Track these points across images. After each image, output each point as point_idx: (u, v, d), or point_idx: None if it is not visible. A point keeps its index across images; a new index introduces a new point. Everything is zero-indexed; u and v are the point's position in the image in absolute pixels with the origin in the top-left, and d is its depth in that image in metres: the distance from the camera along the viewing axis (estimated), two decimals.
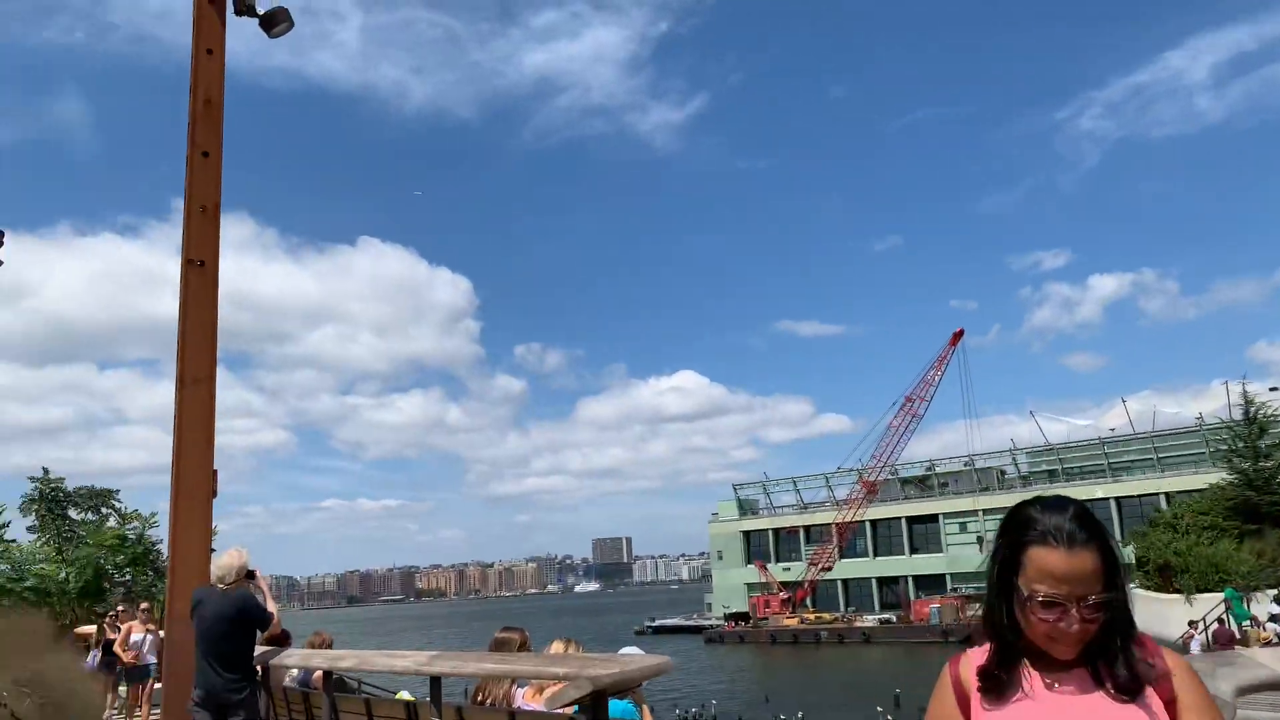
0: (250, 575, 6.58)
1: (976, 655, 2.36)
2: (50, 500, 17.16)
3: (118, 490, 19.49)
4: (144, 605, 12.39)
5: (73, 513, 17.57)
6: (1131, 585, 26.10)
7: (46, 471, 17.57)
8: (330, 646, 7.83)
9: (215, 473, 6.95)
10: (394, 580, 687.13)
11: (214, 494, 6.95)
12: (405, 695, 17.87)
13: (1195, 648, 22.26)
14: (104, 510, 18.11)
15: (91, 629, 13.56)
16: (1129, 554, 29.63)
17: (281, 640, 7.98)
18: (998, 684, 2.21)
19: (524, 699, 4.49)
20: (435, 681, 4.25)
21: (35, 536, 16.83)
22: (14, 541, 16.00)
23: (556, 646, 4.59)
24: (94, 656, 12.91)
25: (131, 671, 12.20)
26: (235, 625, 6.39)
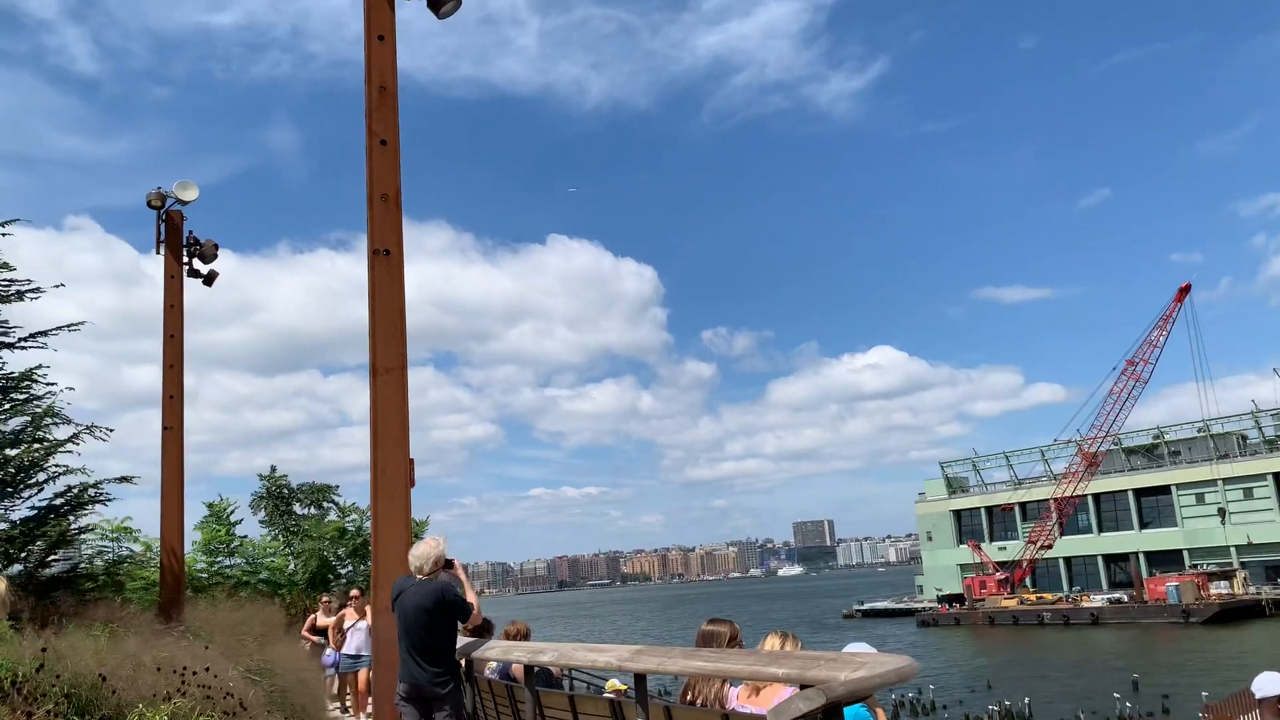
0: (448, 565, 6.46)
1: None
2: (276, 497, 18.45)
3: (337, 485, 20.71)
4: (354, 593, 12.33)
5: (297, 508, 18.83)
6: None
7: (274, 469, 18.97)
8: (527, 636, 7.66)
9: (411, 462, 6.89)
10: (600, 565, 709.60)
11: (412, 483, 6.90)
12: (616, 684, 17.63)
13: None
14: (325, 505, 19.32)
15: (329, 620, 13.31)
16: None
17: (484, 630, 7.90)
18: None
19: (737, 699, 4.05)
20: (640, 679, 3.85)
21: (265, 531, 18.17)
22: (246, 537, 17.28)
23: (772, 641, 4.11)
24: (330, 655, 12.92)
25: (346, 662, 12.14)
26: (435, 616, 6.26)
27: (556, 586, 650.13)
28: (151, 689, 7.98)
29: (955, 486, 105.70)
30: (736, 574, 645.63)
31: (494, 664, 7.23)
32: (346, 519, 18.11)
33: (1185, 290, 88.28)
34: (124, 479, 13.31)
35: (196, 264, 13.89)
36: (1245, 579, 77.93)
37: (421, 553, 6.50)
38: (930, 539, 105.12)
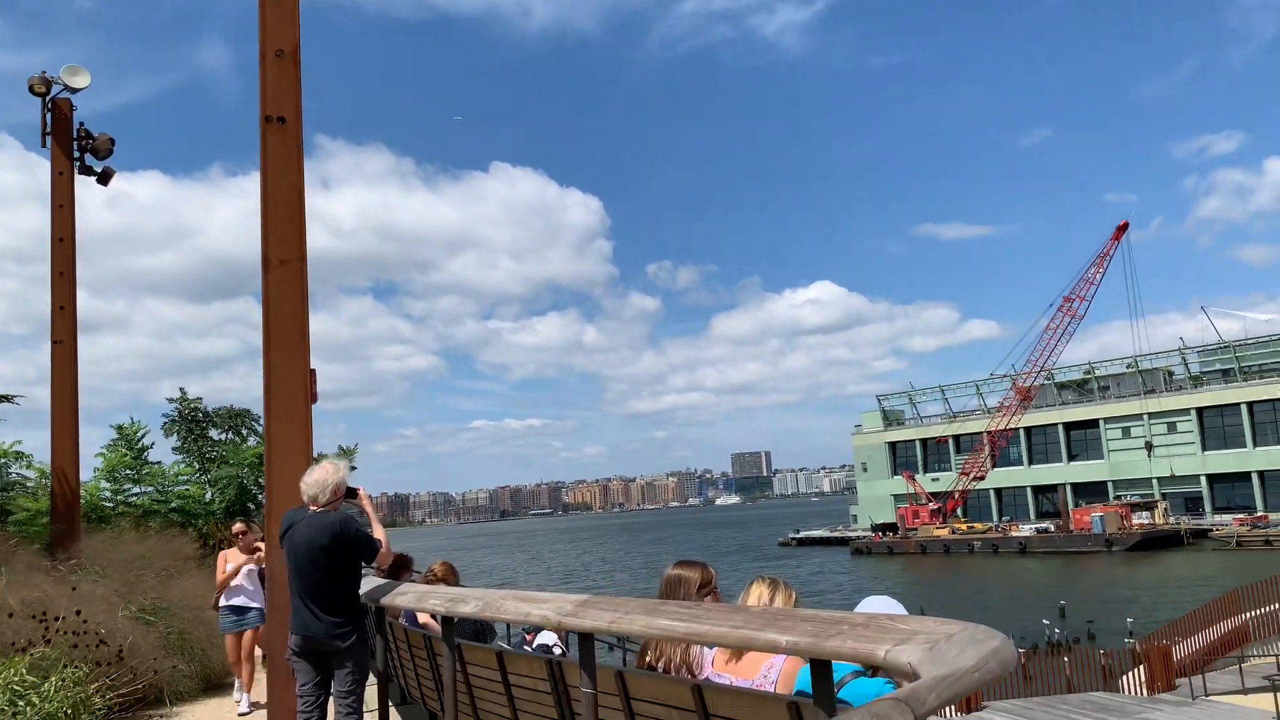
0: (351, 494, 5.44)
1: None
2: (190, 421, 17.15)
3: (258, 412, 19.42)
4: (237, 528, 9.40)
5: (214, 433, 17.57)
6: None
7: (183, 392, 17.58)
8: (451, 579, 6.70)
9: (313, 373, 5.82)
10: (542, 495, 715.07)
11: (313, 398, 5.84)
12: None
13: None
14: (244, 430, 18.06)
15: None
16: None
17: (401, 569, 6.92)
18: None
19: (713, 665, 3.20)
20: (586, 639, 2.94)
21: (178, 459, 16.90)
22: (158, 464, 16.00)
23: (758, 591, 3.23)
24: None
25: (228, 620, 9.06)
26: (332, 556, 5.21)
27: (498, 516, 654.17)
28: (12, 637, 6.98)
29: (891, 419, 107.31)
30: (676, 503, 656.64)
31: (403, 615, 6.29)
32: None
33: (1123, 229, 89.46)
34: (2, 398, 11.94)
35: (89, 161, 12.36)
36: (1166, 509, 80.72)
37: (317, 479, 5.39)
38: (865, 470, 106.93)
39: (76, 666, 6.73)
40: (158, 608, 8.85)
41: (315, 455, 5.96)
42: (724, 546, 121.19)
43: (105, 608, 8.24)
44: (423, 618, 6.02)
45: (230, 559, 9.06)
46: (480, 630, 5.77)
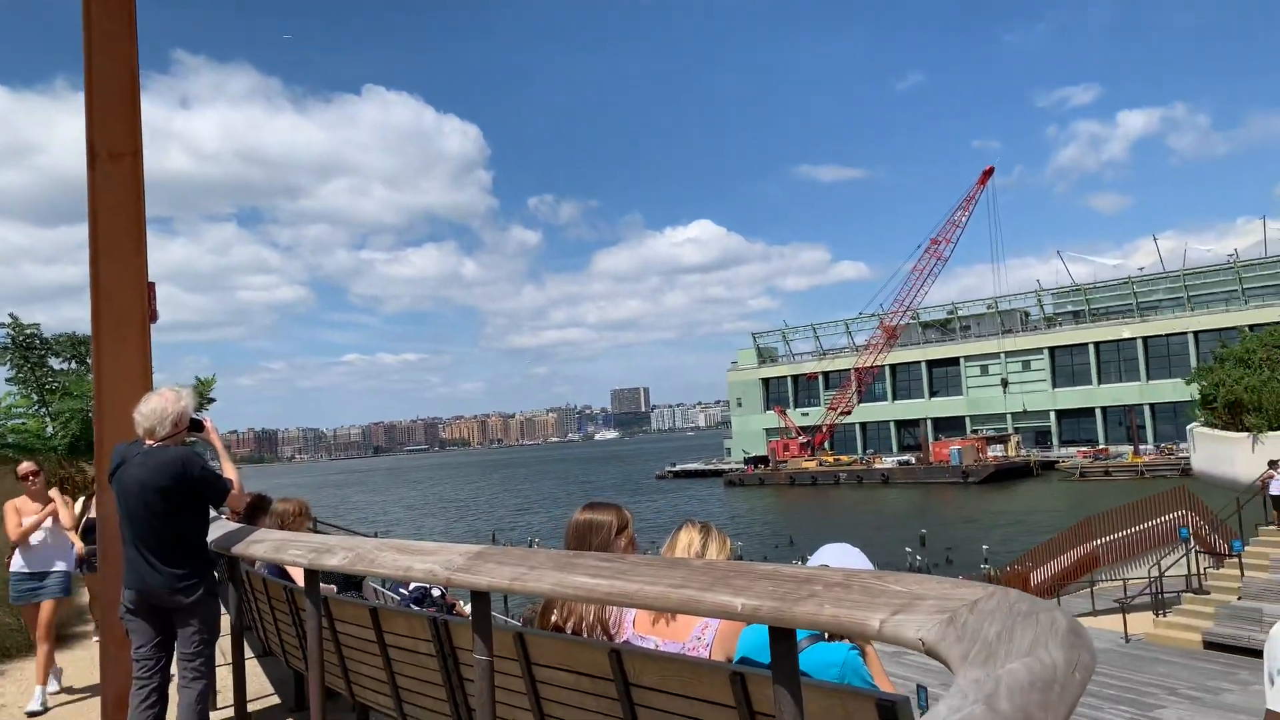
0: (196, 427, 4.70)
1: None
2: (25, 348, 15.53)
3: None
4: (26, 469, 7.49)
5: (54, 362, 15.97)
6: (1197, 423, 24.49)
7: (14, 317, 15.86)
8: (303, 519, 6.01)
9: (152, 286, 5.00)
10: (418, 431, 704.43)
11: (153, 316, 5.04)
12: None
13: (1276, 488, 20.84)
14: (89, 360, 16.44)
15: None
16: (1193, 391, 27.96)
17: (257, 512, 6.15)
18: None
19: (634, 626, 2.71)
20: (481, 597, 2.43)
21: (14, 389, 15.30)
22: None
23: (687, 539, 2.75)
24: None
25: (20, 588, 7.15)
26: (172, 498, 4.48)
27: (371, 452, 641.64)
28: None
29: (765, 356, 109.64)
30: (555, 439, 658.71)
31: (260, 566, 5.58)
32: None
33: (988, 174, 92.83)
34: None
35: None
36: (1018, 443, 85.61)
37: (154, 409, 4.56)
38: (740, 405, 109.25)
39: None
40: None
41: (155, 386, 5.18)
42: (604, 480, 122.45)
43: None
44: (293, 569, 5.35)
45: (21, 510, 7.25)
46: (350, 580, 5.16)
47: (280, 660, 5.69)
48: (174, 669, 4.59)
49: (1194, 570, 21.24)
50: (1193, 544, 22.01)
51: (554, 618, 2.80)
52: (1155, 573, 20.94)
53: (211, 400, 18.74)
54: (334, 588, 4.85)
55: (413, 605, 4.88)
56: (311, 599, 3.59)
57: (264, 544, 4.07)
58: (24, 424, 14.40)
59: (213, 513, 5.01)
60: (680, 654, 2.45)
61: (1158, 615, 20.39)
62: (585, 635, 2.67)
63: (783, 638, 1.84)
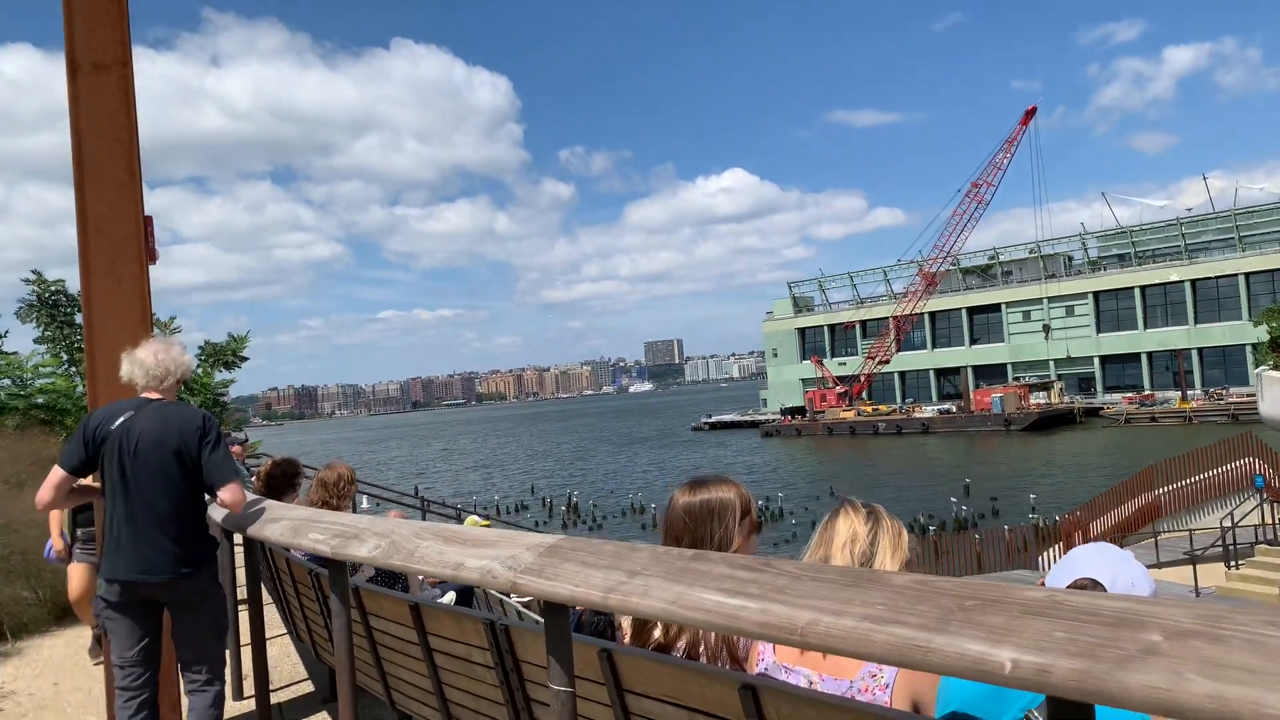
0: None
1: None
2: (51, 305, 15.06)
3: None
4: None
5: (81, 320, 15.47)
6: (1266, 366, 23.30)
7: (39, 274, 15.37)
8: (351, 484, 5.34)
9: (149, 220, 4.34)
10: (455, 385, 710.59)
11: (151, 255, 4.38)
12: (476, 520, 15.39)
13: None
14: None
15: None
16: (1261, 333, 26.65)
17: (288, 483, 5.42)
18: None
19: (774, 651, 1.97)
20: (556, 609, 1.72)
21: (42, 347, 14.87)
22: (14, 353, 13.92)
23: (850, 528, 2.06)
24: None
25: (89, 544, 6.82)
26: (188, 461, 3.81)
27: (410, 407, 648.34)
28: None
29: (801, 305, 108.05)
30: (590, 392, 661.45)
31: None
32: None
33: (1031, 113, 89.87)
34: None
35: None
36: (1061, 389, 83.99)
37: (173, 357, 3.94)
38: (775, 355, 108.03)
39: None
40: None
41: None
42: (640, 432, 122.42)
43: None
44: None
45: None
46: (388, 574, 4.48)
47: (309, 649, 5.06)
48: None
49: (1269, 520, 20.25)
50: (1265, 494, 21.01)
51: (656, 632, 2.10)
52: (1228, 523, 19.99)
53: (245, 359, 18.28)
54: (370, 570, 4.20)
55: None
56: (338, 593, 2.92)
57: (280, 524, 3.40)
58: (53, 383, 13.97)
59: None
60: (846, 698, 1.74)
61: (1230, 567, 19.51)
62: (704, 660, 1.97)
63: (1071, 711, 1.13)
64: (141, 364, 3.95)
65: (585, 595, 1.60)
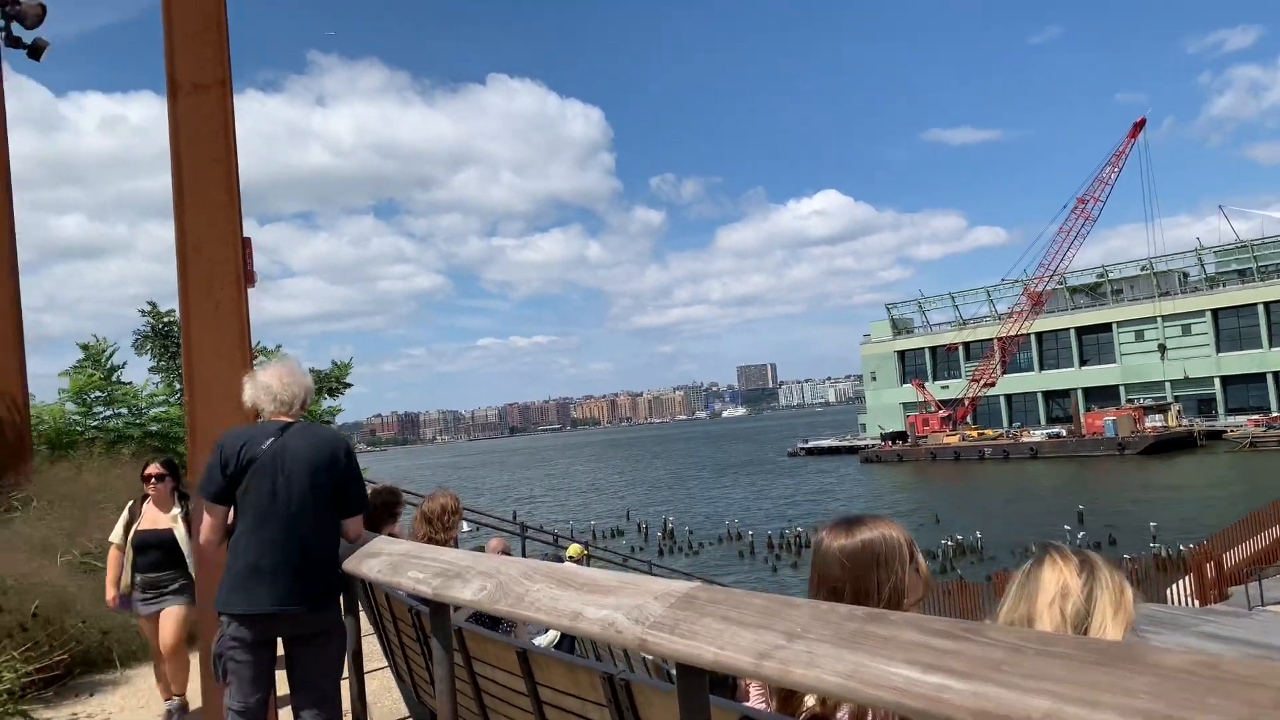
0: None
1: None
2: (164, 336, 15.59)
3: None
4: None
5: None
6: None
7: (153, 305, 15.95)
8: (457, 514, 5.03)
9: (248, 242, 4.24)
10: (551, 411, 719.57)
11: (250, 279, 4.28)
12: (578, 549, 15.06)
13: None
14: None
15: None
16: None
17: (387, 513, 5.07)
18: None
19: None
20: (692, 672, 1.41)
21: (156, 377, 15.40)
22: (130, 384, 14.43)
23: (1056, 581, 1.68)
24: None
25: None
26: (335, 489, 3.71)
27: (507, 432, 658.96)
28: None
29: (900, 327, 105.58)
30: (683, 417, 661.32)
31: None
32: (255, 363, 15.26)
33: (1140, 125, 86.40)
34: None
35: (16, 30, 10.54)
36: (1179, 412, 79.72)
37: (296, 381, 3.83)
38: (874, 379, 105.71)
39: None
40: (105, 551, 7.42)
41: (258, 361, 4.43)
42: (734, 458, 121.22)
43: (41, 555, 6.88)
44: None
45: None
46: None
47: (410, 690, 4.82)
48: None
49: None
50: None
51: (810, 699, 1.77)
52: None
53: (348, 385, 18.65)
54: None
55: None
56: (439, 638, 2.68)
57: (379, 560, 3.18)
58: (165, 412, 14.40)
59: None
60: None
61: None
62: None
63: None
64: (268, 389, 3.84)
65: (732, 661, 1.30)
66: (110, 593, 6.28)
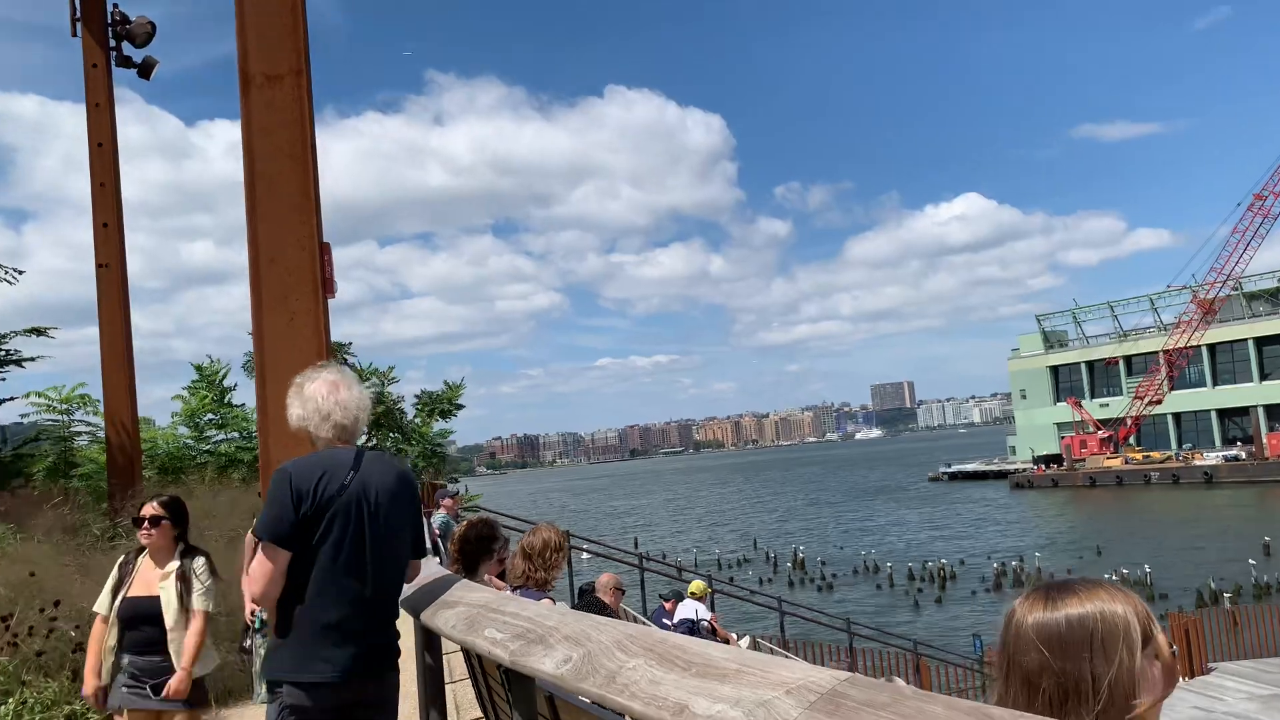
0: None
1: None
2: None
3: (350, 343, 18.03)
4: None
5: None
6: None
7: None
8: (561, 552, 4.35)
9: (326, 247, 3.69)
10: (672, 433, 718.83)
11: (329, 288, 3.72)
12: (701, 586, 14.13)
13: None
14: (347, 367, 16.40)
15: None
16: None
17: (484, 548, 4.45)
18: None
19: None
20: None
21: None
22: (241, 406, 14.52)
23: None
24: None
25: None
26: (408, 517, 3.28)
27: (628, 455, 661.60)
28: None
29: (1052, 341, 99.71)
30: (812, 439, 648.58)
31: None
32: (365, 383, 15.17)
33: None
34: (36, 331, 10.49)
35: (127, 50, 10.71)
36: None
37: (359, 401, 3.27)
38: (1024, 397, 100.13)
39: (50, 679, 5.05)
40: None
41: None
42: (869, 483, 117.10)
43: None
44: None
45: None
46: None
47: None
48: None
49: None
50: None
51: None
52: None
53: (460, 406, 18.56)
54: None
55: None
56: (522, 712, 2.08)
57: (454, 612, 2.62)
58: None
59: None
60: None
61: None
62: None
63: None
64: (319, 409, 3.27)
65: None
66: (90, 683, 4.62)
